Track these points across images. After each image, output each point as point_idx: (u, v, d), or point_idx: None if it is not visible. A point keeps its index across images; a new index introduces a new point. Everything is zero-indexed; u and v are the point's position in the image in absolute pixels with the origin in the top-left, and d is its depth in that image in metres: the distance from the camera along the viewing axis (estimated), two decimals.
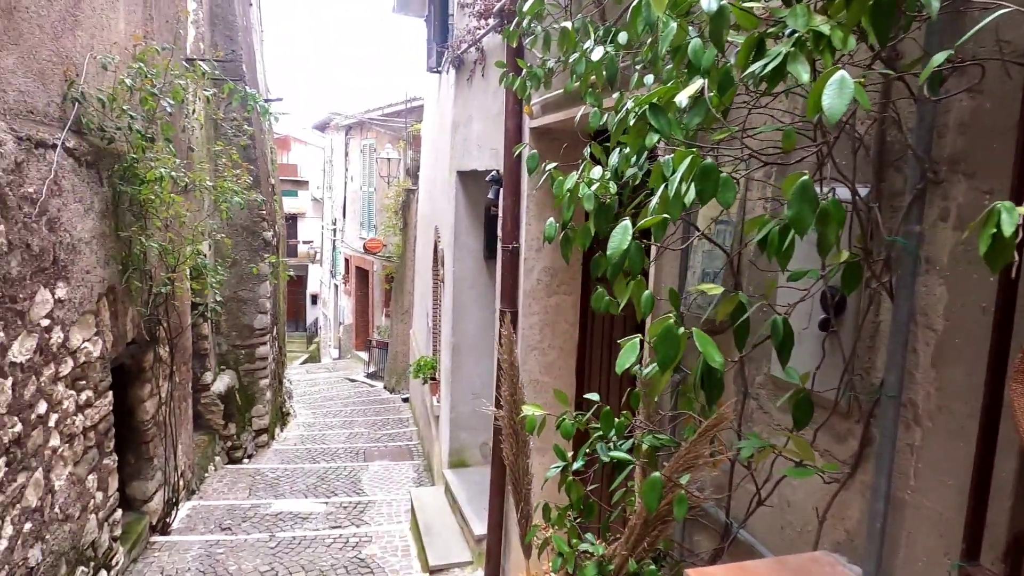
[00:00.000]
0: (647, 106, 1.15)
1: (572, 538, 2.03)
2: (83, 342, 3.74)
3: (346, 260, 21.44)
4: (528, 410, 1.84)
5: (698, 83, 1.12)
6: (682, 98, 1.13)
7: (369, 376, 16.51)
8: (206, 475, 7.25)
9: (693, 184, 1.06)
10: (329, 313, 24.71)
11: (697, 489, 1.75)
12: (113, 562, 4.27)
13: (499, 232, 4.19)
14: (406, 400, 12.43)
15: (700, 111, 1.12)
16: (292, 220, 26.78)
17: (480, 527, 4.59)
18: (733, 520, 1.84)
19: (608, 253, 1.11)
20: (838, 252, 1.20)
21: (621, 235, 1.11)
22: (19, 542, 3.01)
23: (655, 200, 1.17)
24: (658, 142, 1.15)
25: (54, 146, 3.35)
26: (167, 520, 5.55)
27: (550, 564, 1.92)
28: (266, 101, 9.05)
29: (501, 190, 4.01)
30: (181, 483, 6.02)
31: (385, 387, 14.75)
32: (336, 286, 23.04)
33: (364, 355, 18.54)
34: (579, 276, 3.80)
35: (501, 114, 4.08)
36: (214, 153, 7.05)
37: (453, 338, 5.50)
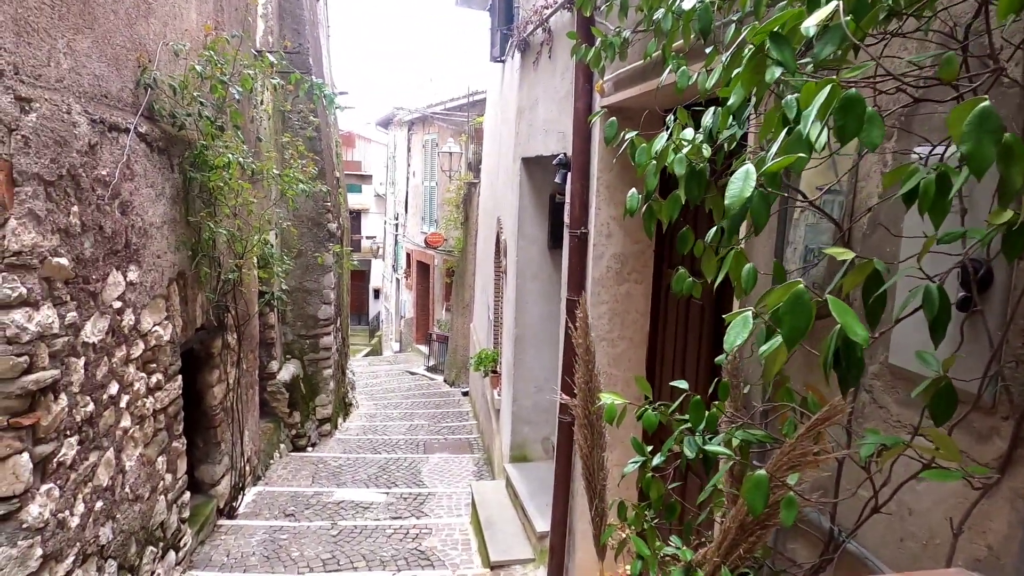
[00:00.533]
0: (767, 36, 0.97)
1: (651, 540, 1.86)
2: (154, 326, 3.79)
3: (407, 254, 21.69)
4: (607, 398, 1.67)
5: (831, 5, 0.93)
6: (810, 24, 0.95)
7: (429, 369, 16.62)
8: (271, 461, 7.38)
9: (828, 123, 0.87)
10: (391, 307, 25.09)
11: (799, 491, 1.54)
12: (181, 543, 4.33)
13: (565, 219, 4.03)
14: (466, 394, 12.42)
15: (834, 38, 0.93)
16: (356, 216, 27.32)
17: (542, 524, 4.45)
18: (839, 528, 1.63)
19: (727, 202, 0.94)
20: (999, 211, 0.99)
21: (742, 181, 0.93)
22: (91, 520, 3.05)
23: (775, 148, 0.99)
24: (779, 77, 0.97)
25: (127, 130, 3.38)
26: (234, 504, 5.64)
27: (628, 568, 1.75)
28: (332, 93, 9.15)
29: (569, 174, 3.84)
30: (247, 468, 6.12)
31: (445, 380, 14.80)
32: (398, 280, 23.35)
33: (424, 348, 18.70)
34: (651, 263, 3.60)
35: (569, 96, 3.92)
36: (281, 144, 7.14)
37: (516, 330, 5.37)
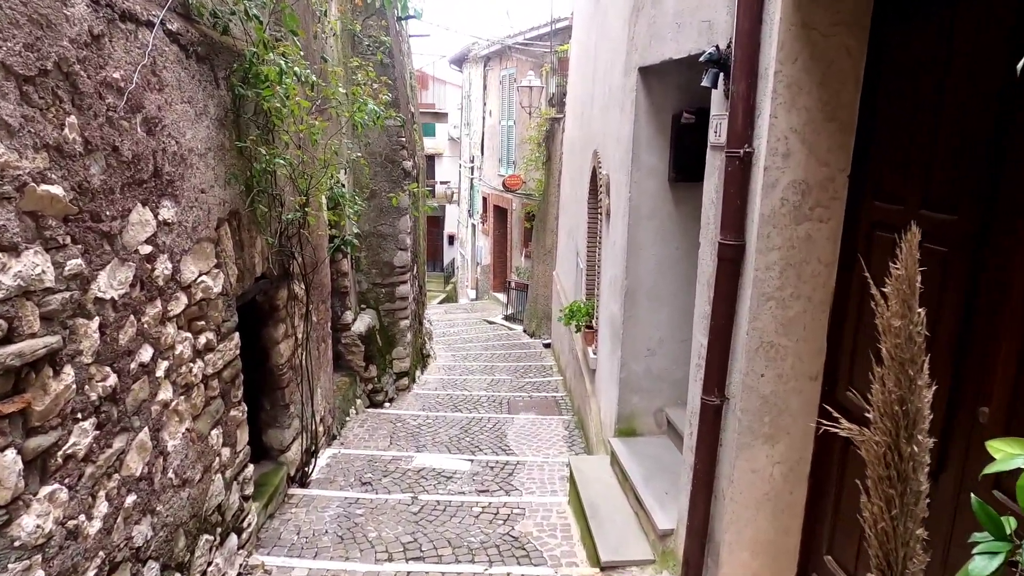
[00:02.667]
0: None
1: None
2: (199, 275, 3.11)
3: (483, 199, 20.88)
4: (1006, 452, 0.78)
5: None
6: None
7: (507, 319, 15.96)
8: (347, 419, 6.87)
9: None
10: (466, 253, 24.52)
11: None
12: (245, 524, 3.77)
13: (711, 137, 3.04)
14: (547, 346, 11.68)
15: None
16: (430, 160, 26.67)
17: (664, 519, 3.63)
18: None
19: None
20: None
21: None
22: (119, 520, 2.43)
23: None
24: None
25: (149, 24, 2.62)
26: (306, 470, 5.10)
27: None
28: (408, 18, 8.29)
29: (721, 75, 2.84)
30: (321, 430, 5.58)
31: (524, 331, 14.09)
32: (473, 226, 22.65)
33: (502, 296, 18.04)
34: (843, 194, 2.59)
35: None
36: (350, 69, 6.34)
37: (626, 281, 4.46)
